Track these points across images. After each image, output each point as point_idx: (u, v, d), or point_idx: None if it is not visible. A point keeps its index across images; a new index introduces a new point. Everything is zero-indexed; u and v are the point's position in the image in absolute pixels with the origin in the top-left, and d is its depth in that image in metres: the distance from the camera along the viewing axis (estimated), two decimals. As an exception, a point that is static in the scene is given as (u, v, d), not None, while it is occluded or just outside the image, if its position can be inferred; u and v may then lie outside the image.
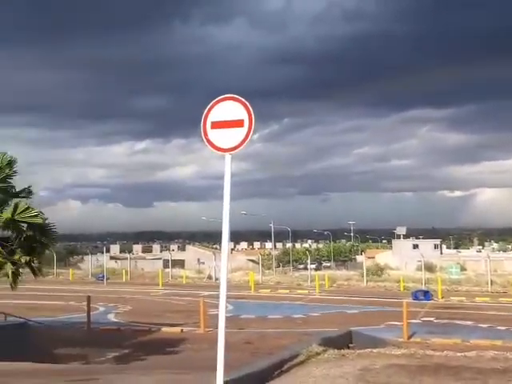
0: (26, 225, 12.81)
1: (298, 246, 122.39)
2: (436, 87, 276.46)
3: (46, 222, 13.25)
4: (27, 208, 12.73)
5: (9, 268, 12.65)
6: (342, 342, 11.20)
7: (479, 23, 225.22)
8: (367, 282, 46.02)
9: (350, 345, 11.42)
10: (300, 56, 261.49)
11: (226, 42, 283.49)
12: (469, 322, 22.46)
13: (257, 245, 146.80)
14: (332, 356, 9.21)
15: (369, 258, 69.29)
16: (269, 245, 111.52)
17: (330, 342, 10.40)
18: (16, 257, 13.10)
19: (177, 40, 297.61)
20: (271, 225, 76.08)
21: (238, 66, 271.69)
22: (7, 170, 13.06)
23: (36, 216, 12.73)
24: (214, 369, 6.51)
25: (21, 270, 13.03)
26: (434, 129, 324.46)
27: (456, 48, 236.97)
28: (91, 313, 20.11)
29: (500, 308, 28.69)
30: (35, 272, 13.44)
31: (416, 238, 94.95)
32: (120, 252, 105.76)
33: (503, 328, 20.82)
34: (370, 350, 9.90)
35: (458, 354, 9.86)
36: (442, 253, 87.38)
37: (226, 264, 7.16)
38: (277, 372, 7.98)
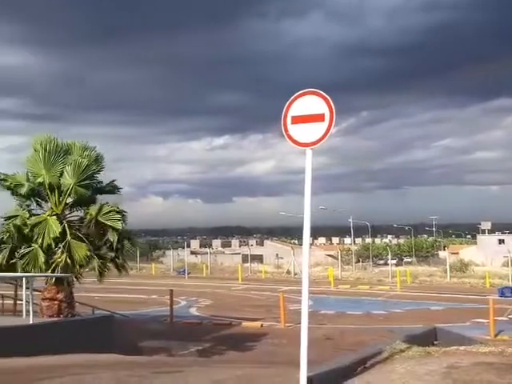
0: (108, 226, 13.28)
1: (377, 241, 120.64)
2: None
3: (127, 227, 13.65)
4: (111, 211, 13.16)
5: (96, 263, 13.16)
6: (427, 339, 10.96)
7: None
8: (451, 278, 44.87)
9: (435, 342, 11.16)
10: (377, 48, 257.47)
11: (302, 36, 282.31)
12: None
13: (335, 240, 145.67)
14: (417, 353, 9.02)
15: (452, 253, 67.48)
16: (347, 240, 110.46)
17: (414, 339, 10.19)
18: (102, 252, 13.63)
19: (254, 36, 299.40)
20: (350, 220, 75.34)
21: (314, 59, 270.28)
22: (94, 167, 13.55)
23: (117, 221, 13.14)
24: (296, 364, 6.52)
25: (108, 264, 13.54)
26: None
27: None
28: (174, 306, 20.60)
29: None
30: (119, 268, 13.91)
31: (502, 233, 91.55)
32: (200, 247, 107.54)
33: None
34: (455, 347, 9.64)
35: (551, 354, 9.45)
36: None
37: (307, 259, 7.15)
38: (360, 368, 7.90)
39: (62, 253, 12.88)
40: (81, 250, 12.91)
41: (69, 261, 12.84)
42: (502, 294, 31.58)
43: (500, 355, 9.31)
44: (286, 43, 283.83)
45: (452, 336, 12.29)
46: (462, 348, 9.54)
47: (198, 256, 71.87)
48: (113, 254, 13.72)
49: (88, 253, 12.95)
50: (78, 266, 13.09)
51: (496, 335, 16.70)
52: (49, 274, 13.07)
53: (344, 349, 13.46)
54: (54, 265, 12.96)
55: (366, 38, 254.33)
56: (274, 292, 29.50)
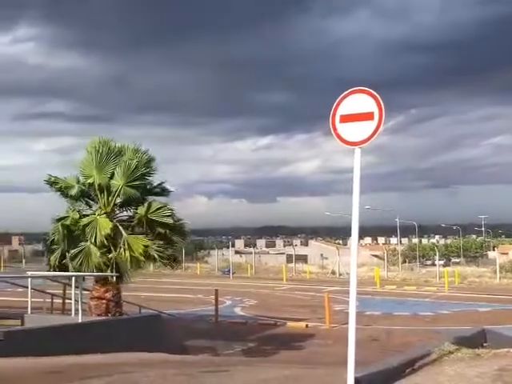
0: (158, 223, 13.52)
1: (424, 241, 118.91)
2: None
3: (178, 222, 13.88)
4: (160, 207, 13.41)
5: (153, 251, 13.35)
6: (476, 340, 10.79)
7: None
8: (500, 278, 44.00)
9: (485, 344, 10.98)
10: (426, 44, 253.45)
11: (348, 34, 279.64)
12: None
13: (381, 240, 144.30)
14: (466, 355, 8.90)
15: (502, 253, 66.04)
16: (394, 240, 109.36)
17: (464, 341, 10.05)
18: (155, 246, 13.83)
19: (299, 34, 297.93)
20: (397, 219, 74.56)
21: (361, 57, 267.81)
22: (143, 169, 13.81)
23: (168, 216, 13.38)
24: (342, 364, 6.53)
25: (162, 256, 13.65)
26: None
27: None
28: (219, 306, 20.78)
29: None
30: (172, 263, 14.15)
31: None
32: (244, 247, 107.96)
33: None
34: (506, 349, 9.48)
35: None
36: None
37: (355, 259, 7.14)
38: (408, 370, 7.85)
39: (121, 249, 13.20)
40: (139, 244, 13.19)
41: (128, 256, 13.13)
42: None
43: (553, 358, 9.11)
44: (331, 41, 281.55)
45: (502, 338, 12.06)
46: (513, 350, 9.37)
47: (243, 256, 72.14)
48: (169, 250, 13.94)
49: (148, 244, 13.19)
50: (139, 261, 13.37)
51: (548, 338, 16.28)
52: (95, 273, 13.37)
53: (390, 350, 13.36)
54: (112, 262, 13.29)
55: (413, 34, 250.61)
56: (319, 292, 29.41)
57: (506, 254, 69.87)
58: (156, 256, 13.43)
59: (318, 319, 20.61)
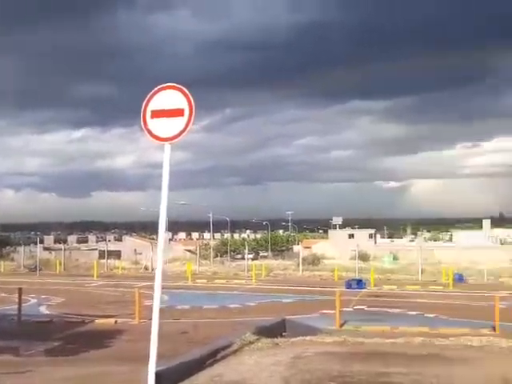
0: None
1: (236, 236, 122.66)
2: (374, 79, 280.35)
3: None
4: None
5: None
6: (276, 330, 11.37)
7: (414, 16, 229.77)
8: (303, 271, 46.78)
9: (284, 333, 11.61)
10: (242, 45, 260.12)
11: (169, 31, 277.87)
12: (399, 310, 23.13)
13: (195, 235, 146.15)
14: (265, 345, 9.37)
15: (305, 247, 70.23)
16: (207, 235, 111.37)
17: (264, 331, 10.55)
18: None
19: (119, 28, 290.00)
20: (210, 215, 76.04)
21: (180, 54, 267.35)
22: None
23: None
24: (147, 360, 6.52)
25: None
26: (372, 120, 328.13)
27: (393, 41, 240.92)
28: (23, 305, 19.66)
29: (429, 296, 29.68)
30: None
31: (352, 228, 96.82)
32: (54, 243, 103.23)
33: (431, 315, 21.55)
34: (302, 338, 10.12)
35: (387, 341, 10.21)
36: (376, 242, 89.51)
37: (161, 253, 7.19)
38: (210, 361, 8.05)
39: None
40: None
41: None
42: (348, 286, 33.43)
43: (343, 344, 9.91)
44: (154, 37, 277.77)
45: (300, 327, 12.85)
46: (308, 338, 10.05)
47: (53, 252, 68.97)
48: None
49: None
50: None
51: (341, 325, 17.61)
52: None
53: (198, 342, 13.57)
54: None
55: (231, 35, 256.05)
56: (131, 288, 29.03)
57: (309, 247, 74.42)
58: None
59: (128, 315, 20.31)
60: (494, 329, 16.27)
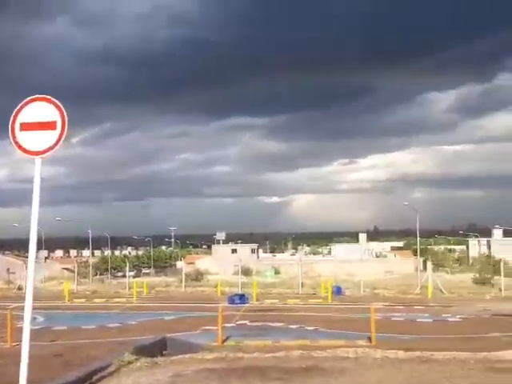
0: None
1: (117, 253, 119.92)
2: (255, 95, 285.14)
3: None
4: None
5: None
6: (156, 349, 11.17)
7: (294, 35, 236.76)
8: (186, 287, 46.51)
9: (164, 352, 11.42)
10: (122, 58, 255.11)
11: (46, 41, 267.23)
12: (280, 324, 23.52)
13: (73, 252, 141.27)
14: (144, 364, 9.16)
15: (189, 263, 70.03)
16: (86, 252, 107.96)
17: (144, 350, 10.32)
18: None
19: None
20: (89, 231, 73.83)
21: (57, 65, 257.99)
22: None
23: None
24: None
25: None
26: (253, 136, 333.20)
27: (273, 57, 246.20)
28: None
29: (309, 309, 30.49)
30: None
31: (235, 243, 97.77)
32: None
33: (311, 328, 22.09)
34: (182, 355, 10.00)
35: (267, 355, 10.32)
36: (258, 257, 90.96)
37: (32, 272, 6.85)
38: (85, 384, 7.76)
39: None
40: None
41: None
42: (231, 302, 33.62)
43: (223, 360, 9.89)
44: (30, 47, 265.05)
45: (181, 344, 12.72)
46: (188, 356, 9.94)
47: None
48: None
49: None
50: None
51: (224, 341, 17.64)
52: None
53: (74, 365, 13.04)
54: None
55: (110, 48, 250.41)
56: (3, 309, 27.48)
57: (193, 263, 74.27)
58: None
59: (0, 338, 19.21)
60: (369, 340, 16.92)
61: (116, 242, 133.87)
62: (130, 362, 9.11)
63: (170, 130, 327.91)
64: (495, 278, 46.66)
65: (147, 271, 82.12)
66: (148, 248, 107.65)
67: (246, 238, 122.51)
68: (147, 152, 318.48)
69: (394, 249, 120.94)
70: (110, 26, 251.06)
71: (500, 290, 39.88)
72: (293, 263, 64.16)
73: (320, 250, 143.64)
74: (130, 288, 44.40)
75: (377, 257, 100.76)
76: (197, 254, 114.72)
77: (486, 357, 9.77)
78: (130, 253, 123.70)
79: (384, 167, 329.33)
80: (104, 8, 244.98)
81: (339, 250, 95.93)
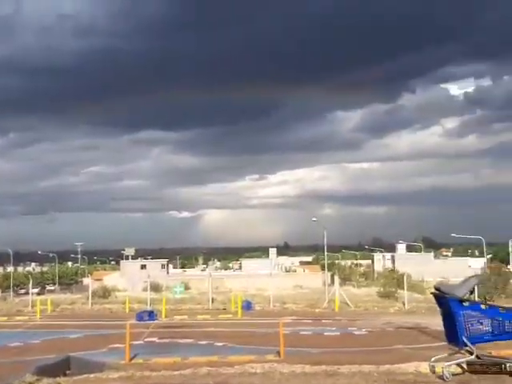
0: None
1: (20, 269, 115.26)
2: (166, 109, 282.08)
3: None
4: None
5: None
6: (59, 369, 10.81)
7: (210, 48, 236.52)
8: (93, 304, 45.32)
9: (68, 371, 11.07)
10: (27, 68, 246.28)
11: None
12: (190, 340, 23.33)
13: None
14: (46, 385, 8.85)
15: (96, 280, 68.31)
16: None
17: (46, 371, 9.97)
18: None
19: None
20: (-11, 247, 70.68)
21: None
22: None
23: None
24: None
25: None
26: (164, 151, 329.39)
27: (186, 71, 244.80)
28: None
29: (219, 324, 30.44)
30: None
31: (144, 259, 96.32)
32: None
33: (220, 344, 22.03)
34: (87, 375, 9.73)
35: (175, 373, 10.20)
36: (168, 273, 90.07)
37: None
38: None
39: None
40: None
41: None
42: (140, 318, 33.03)
43: (129, 379, 9.71)
44: None
45: (86, 364, 12.35)
46: (93, 375, 9.68)
47: None
48: None
49: None
50: None
51: (131, 359, 17.26)
52: None
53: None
54: None
55: (16, 57, 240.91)
56: None
57: (100, 280, 72.49)
58: None
59: None
60: (278, 354, 17.06)
61: (19, 258, 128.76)
62: (31, 383, 8.76)
63: (80, 143, 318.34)
64: (399, 291, 48.22)
65: (52, 288, 79.42)
66: (53, 264, 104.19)
67: (155, 254, 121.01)
68: (55, 164, 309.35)
69: (303, 263, 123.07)
70: (15, 35, 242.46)
71: (403, 303, 41.25)
72: (203, 278, 63.93)
73: (231, 265, 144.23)
74: (33, 306, 42.76)
75: (286, 271, 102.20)
76: (105, 270, 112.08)
77: (389, 369, 10.07)
78: (34, 269, 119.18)
79: (293, 183, 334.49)
80: (7, 16, 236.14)
81: (249, 264, 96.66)
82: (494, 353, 10.19)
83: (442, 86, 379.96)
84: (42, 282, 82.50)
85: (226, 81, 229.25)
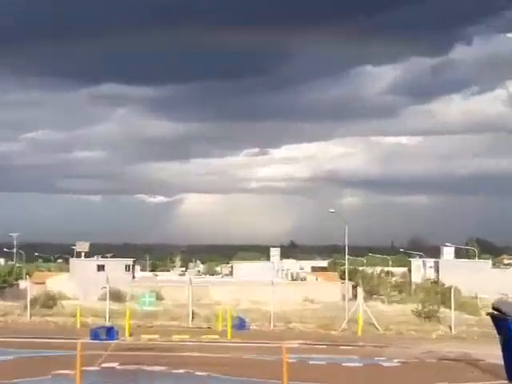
0: None
1: None
2: (135, 57, 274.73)
3: None
4: None
5: None
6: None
7: None
8: (32, 316, 45.45)
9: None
10: None
11: None
12: (161, 368, 23.40)
13: None
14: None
15: (37, 283, 68.47)
16: None
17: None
18: None
19: None
20: None
21: None
22: None
23: None
24: None
25: None
26: (132, 112, 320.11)
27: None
28: None
29: (201, 348, 30.49)
30: None
31: (102, 257, 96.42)
32: None
33: (203, 374, 22.12)
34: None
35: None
36: (134, 277, 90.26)
37: None
38: None
39: None
40: None
41: None
42: (95, 337, 33.13)
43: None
44: None
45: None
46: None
47: None
48: None
49: None
50: None
51: (83, 390, 17.39)
52: None
53: None
54: None
55: None
56: None
57: (43, 283, 72.58)
58: None
59: None
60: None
61: None
62: None
63: (13, 99, 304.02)
64: (444, 310, 48.25)
65: (-24, 293, 79.68)
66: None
67: (117, 251, 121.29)
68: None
69: (315, 269, 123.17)
70: None
71: (450, 327, 41.36)
72: (181, 286, 64.06)
73: (218, 268, 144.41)
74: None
75: (293, 279, 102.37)
76: (49, 270, 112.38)
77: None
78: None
79: (303, 161, 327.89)
80: None
81: (243, 269, 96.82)
82: None
83: (509, 35, 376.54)
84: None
85: (221, 22, 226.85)
